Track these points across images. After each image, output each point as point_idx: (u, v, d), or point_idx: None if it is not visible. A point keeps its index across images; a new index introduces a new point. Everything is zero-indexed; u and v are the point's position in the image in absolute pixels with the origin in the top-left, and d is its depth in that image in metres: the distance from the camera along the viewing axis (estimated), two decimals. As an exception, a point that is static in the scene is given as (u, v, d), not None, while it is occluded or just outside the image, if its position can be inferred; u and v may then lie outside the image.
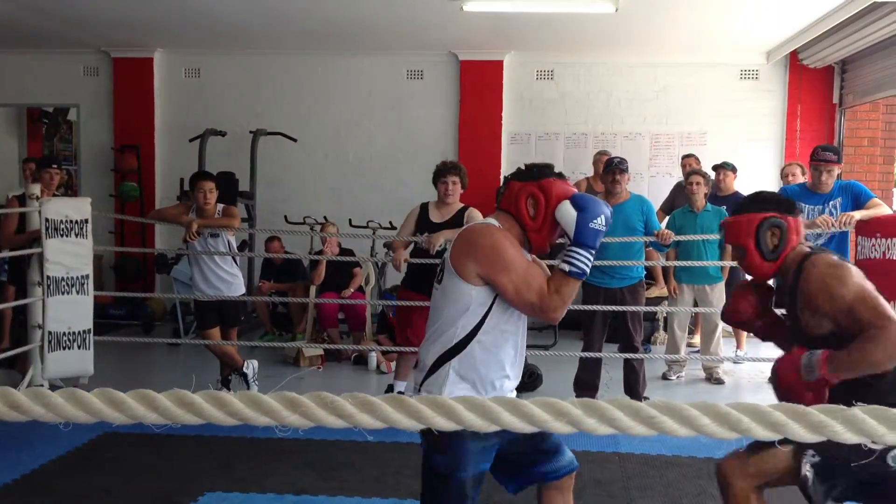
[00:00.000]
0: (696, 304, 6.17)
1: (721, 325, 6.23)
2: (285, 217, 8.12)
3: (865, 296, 2.37)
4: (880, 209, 4.98)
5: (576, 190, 2.52)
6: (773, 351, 5.87)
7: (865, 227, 4.89)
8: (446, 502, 2.42)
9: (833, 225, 4.89)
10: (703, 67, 8.18)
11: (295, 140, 8.28)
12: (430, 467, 2.46)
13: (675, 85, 8.25)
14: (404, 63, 8.56)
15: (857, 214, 4.89)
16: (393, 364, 6.02)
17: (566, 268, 2.37)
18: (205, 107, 8.67)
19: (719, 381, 6.25)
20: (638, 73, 8.30)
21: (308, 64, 8.61)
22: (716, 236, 5.87)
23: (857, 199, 5.02)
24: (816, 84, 8.15)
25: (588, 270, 2.40)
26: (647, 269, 6.93)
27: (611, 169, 5.45)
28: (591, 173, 7.67)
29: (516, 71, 8.47)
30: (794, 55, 8.00)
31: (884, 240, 4.78)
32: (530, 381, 5.65)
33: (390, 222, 7.68)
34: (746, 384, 6.37)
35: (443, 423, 0.67)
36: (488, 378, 2.45)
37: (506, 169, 8.47)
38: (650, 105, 8.31)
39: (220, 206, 5.52)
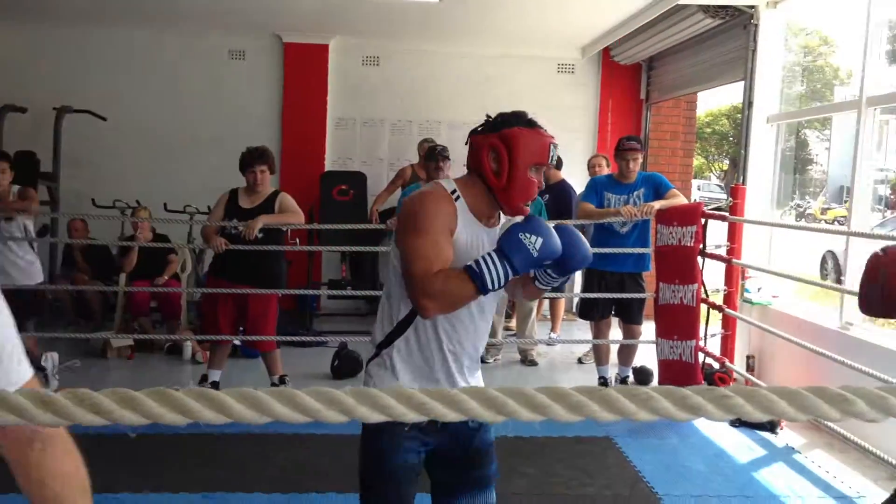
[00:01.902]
0: (513, 289, 6.37)
1: (535, 308, 6.49)
2: (93, 201, 7.64)
3: None
4: (678, 199, 5.35)
5: (551, 141, 2.20)
6: (584, 333, 6.23)
7: (664, 216, 5.24)
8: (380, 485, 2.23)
9: (636, 214, 5.21)
10: (524, 60, 8.43)
11: (104, 119, 7.80)
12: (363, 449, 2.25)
13: (498, 76, 8.45)
14: (226, 43, 8.27)
15: (657, 204, 5.24)
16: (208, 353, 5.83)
17: (471, 264, 1.99)
18: (3, 81, 8.00)
19: (533, 363, 6.51)
20: (462, 63, 8.44)
21: (122, 38, 8.13)
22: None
23: (657, 190, 5.36)
24: (626, 80, 8.62)
25: (491, 286, 1.98)
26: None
27: (434, 156, 5.52)
28: (416, 160, 7.74)
29: (342, 56, 8.39)
30: (606, 52, 8.41)
31: (680, 228, 5.14)
32: (349, 367, 5.65)
33: (209, 207, 7.40)
34: (559, 365, 6.67)
35: (211, 417, 0.65)
36: (432, 361, 2.17)
37: (330, 154, 8.40)
38: (474, 95, 8.46)
39: (16, 188, 5.14)
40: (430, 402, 0.67)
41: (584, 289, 5.79)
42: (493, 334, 6.36)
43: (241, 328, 5.28)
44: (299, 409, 0.64)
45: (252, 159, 5.02)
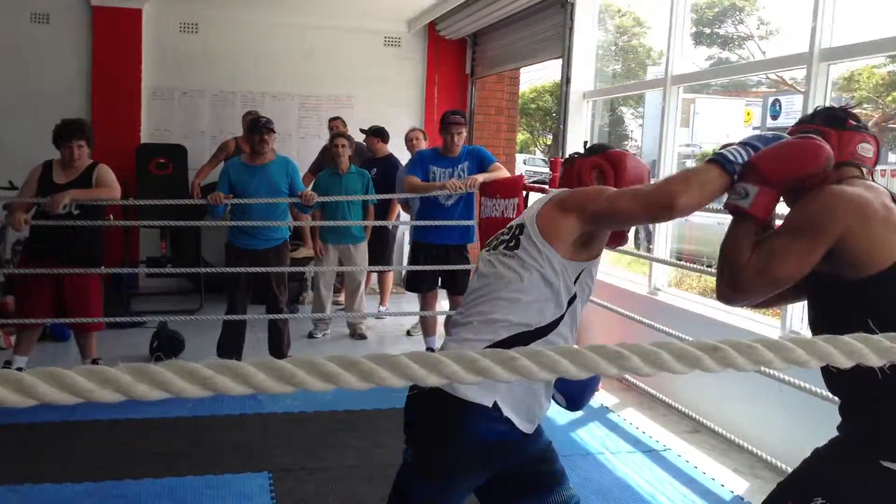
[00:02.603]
0: (340, 263, 6.35)
1: (364, 282, 6.50)
2: None
3: None
4: (501, 172, 5.49)
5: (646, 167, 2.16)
6: (413, 305, 6.29)
7: (488, 189, 5.36)
8: None
9: (460, 187, 5.30)
10: (350, 32, 8.33)
11: None
12: (409, 487, 2.07)
13: (324, 48, 8.32)
14: (27, 4, 7.65)
15: (481, 177, 5.35)
16: (13, 338, 5.43)
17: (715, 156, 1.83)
18: None
19: (362, 337, 6.52)
20: (287, 33, 8.23)
21: None
22: (359, 197, 6.08)
23: (481, 163, 5.47)
24: (451, 55, 8.72)
25: (738, 166, 1.81)
26: (295, 229, 7.00)
27: (258, 129, 5.37)
28: (239, 133, 7.50)
29: (157, 22, 7.95)
30: (431, 26, 8.46)
31: (502, 200, 5.27)
32: (171, 348, 5.45)
33: (10, 182, 6.86)
34: (389, 338, 6.72)
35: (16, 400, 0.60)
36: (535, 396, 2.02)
37: (147, 125, 7.98)
38: (299, 66, 8.30)
39: None
40: (217, 376, 0.64)
41: (411, 262, 5.86)
42: (321, 309, 6.32)
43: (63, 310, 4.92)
44: (67, 389, 0.60)
45: (69, 133, 4.68)
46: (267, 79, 8.24)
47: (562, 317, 1.98)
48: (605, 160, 2.16)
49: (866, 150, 1.92)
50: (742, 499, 3.68)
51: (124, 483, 3.63)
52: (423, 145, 6.52)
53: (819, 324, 1.92)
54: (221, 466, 3.84)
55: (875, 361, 0.71)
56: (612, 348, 0.70)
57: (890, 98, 20.68)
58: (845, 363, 0.71)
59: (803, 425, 3.81)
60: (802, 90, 4.30)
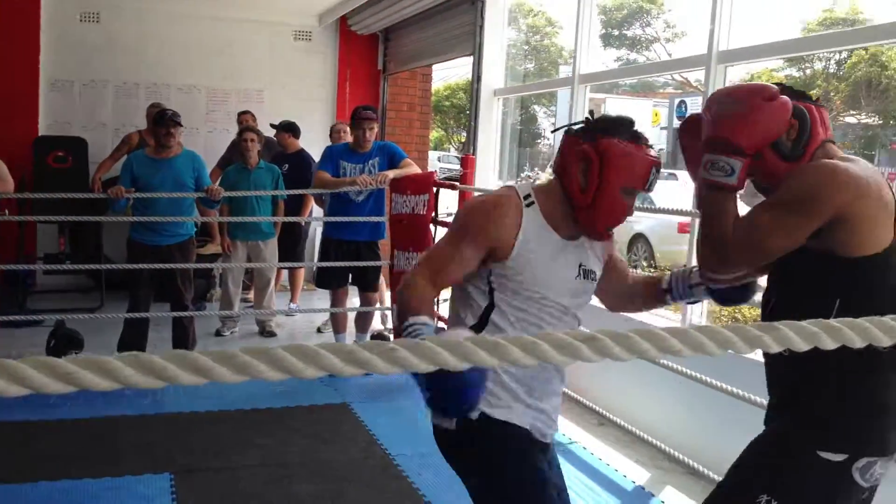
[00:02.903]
0: (249, 260, 6.23)
1: (273, 279, 6.40)
2: None
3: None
4: (411, 169, 5.49)
5: (654, 162, 1.91)
6: (324, 302, 6.21)
7: (398, 185, 5.35)
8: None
9: (371, 183, 5.28)
10: (260, 25, 8.18)
11: None
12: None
13: (232, 40, 8.14)
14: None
15: (391, 173, 5.34)
16: None
17: (411, 318, 1.82)
18: None
19: (272, 334, 6.42)
20: (193, 24, 8.02)
21: None
22: (267, 192, 5.99)
23: (392, 159, 5.46)
24: (363, 50, 8.66)
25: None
26: (203, 225, 6.85)
27: (163, 121, 5.22)
28: (143, 126, 7.28)
29: (56, 10, 7.64)
30: (343, 21, 8.39)
31: (413, 196, 5.28)
32: (69, 347, 5.25)
33: None
34: (299, 334, 6.63)
35: None
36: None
37: (45, 117, 7.67)
38: (207, 58, 8.11)
39: None
40: (80, 371, 0.62)
41: (321, 258, 5.80)
42: (229, 306, 6.20)
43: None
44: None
45: None
46: (173, 70, 8.02)
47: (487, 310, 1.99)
48: (594, 151, 1.88)
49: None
50: (643, 489, 3.78)
51: (16, 487, 3.48)
52: (349, 138, 6.48)
53: (786, 298, 1.85)
54: (121, 468, 3.73)
55: (743, 349, 0.74)
56: (492, 339, 0.70)
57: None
58: (716, 351, 0.73)
59: (701, 417, 3.94)
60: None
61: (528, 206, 1.92)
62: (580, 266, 2.00)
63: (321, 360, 0.66)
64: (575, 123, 1.97)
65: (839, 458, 1.73)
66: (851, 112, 22.02)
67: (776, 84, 1.82)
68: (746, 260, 1.79)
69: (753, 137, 1.74)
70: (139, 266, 5.07)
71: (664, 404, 4.23)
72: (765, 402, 1.94)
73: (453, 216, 1.99)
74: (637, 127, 1.92)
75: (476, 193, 5.78)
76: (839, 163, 1.73)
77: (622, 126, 1.89)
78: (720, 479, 1.95)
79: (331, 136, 6.65)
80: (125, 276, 5.36)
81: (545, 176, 2.00)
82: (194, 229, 5.49)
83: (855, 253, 1.71)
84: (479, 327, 1.98)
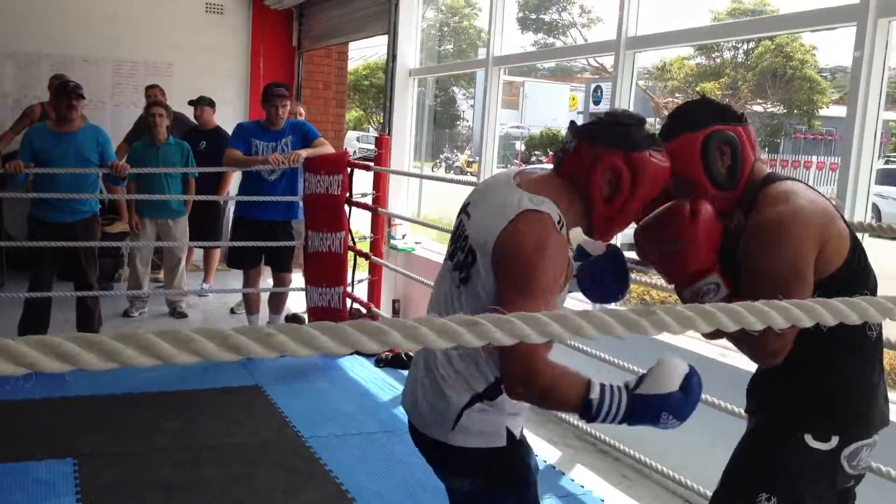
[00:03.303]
0: (159, 239, 6.07)
1: (184, 258, 6.26)
2: None
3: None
4: (325, 148, 5.42)
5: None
6: (239, 282, 6.12)
7: (312, 164, 5.29)
8: None
9: (283, 162, 5.20)
10: (170, -4, 7.94)
11: None
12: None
13: (140, 12, 7.86)
14: None
15: (305, 152, 5.27)
16: None
17: (594, 396, 1.63)
18: None
19: (183, 315, 6.29)
20: (100, -8, 7.72)
21: None
22: (178, 170, 5.83)
23: (305, 138, 5.39)
24: (278, 26, 8.49)
25: (598, 420, 1.66)
26: (110, 203, 6.63)
27: (65, 93, 5.02)
28: (46, 98, 6.98)
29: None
30: (256, -5, 8.22)
31: (327, 176, 5.23)
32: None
33: None
34: (211, 316, 6.52)
35: None
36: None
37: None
38: (112, 30, 7.80)
39: None
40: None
41: (233, 237, 5.68)
42: (137, 286, 6.03)
43: None
44: None
45: None
46: (77, 41, 7.71)
47: None
48: (626, 165, 1.72)
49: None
50: (554, 467, 3.85)
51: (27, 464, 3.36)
52: (303, 118, 6.36)
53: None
54: (22, 453, 3.60)
55: (623, 333, 0.75)
56: (374, 325, 0.70)
57: (699, 87, 22.17)
58: (595, 334, 0.74)
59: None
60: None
61: (561, 228, 1.72)
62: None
63: (195, 345, 0.65)
64: (590, 123, 1.82)
65: (828, 446, 1.75)
66: (758, 101, 22.80)
67: (699, 97, 1.82)
68: (786, 346, 1.72)
69: (707, 253, 1.78)
70: (40, 244, 4.88)
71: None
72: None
73: (505, 258, 1.69)
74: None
75: (391, 174, 5.75)
76: (797, 204, 1.71)
77: (641, 130, 1.76)
78: (627, 455, 2.00)
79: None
80: (27, 255, 5.16)
81: (546, 175, 1.83)
82: (98, 206, 5.31)
83: (821, 275, 1.71)
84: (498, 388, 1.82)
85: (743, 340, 1.74)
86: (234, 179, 6.50)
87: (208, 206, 6.47)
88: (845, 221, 1.80)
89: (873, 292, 1.77)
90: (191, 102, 6.77)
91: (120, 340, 0.63)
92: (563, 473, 3.77)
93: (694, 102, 1.95)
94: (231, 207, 7.44)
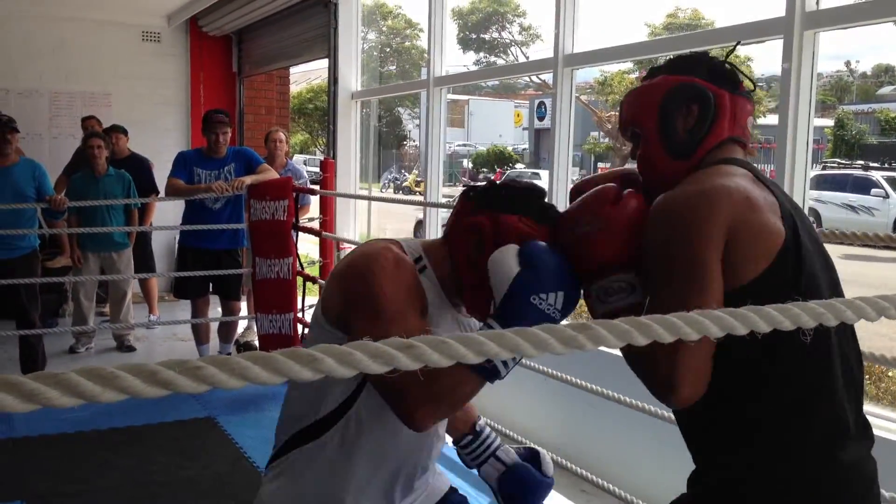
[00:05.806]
0: (103, 272, 5.94)
1: (129, 290, 6.13)
2: None
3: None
4: (269, 174, 5.38)
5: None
6: (187, 312, 6.01)
7: (257, 191, 5.23)
8: None
9: (227, 189, 5.14)
10: (105, 26, 7.81)
11: None
12: None
13: (76, 42, 7.74)
14: None
15: (249, 179, 5.21)
16: None
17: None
18: None
19: (131, 349, 6.16)
20: (33, 25, 7.57)
21: None
22: (119, 201, 5.72)
23: (248, 164, 5.34)
24: (217, 52, 8.43)
25: (502, 372, 1.47)
26: (52, 237, 6.47)
27: (-1, 128, 4.91)
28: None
29: None
30: (193, 22, 8.14)
31: (272, 202, 5.17)
32: None
33: None
34: (160, 348, 6.40)
35: None
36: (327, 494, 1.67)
37: None
38: (48, 61, 7.67)
39: None
40: None
41: (179, 267, 5.59)
42: (82, 321, 5.89)
43: None
44: None
45: None
46: (11, 73, 7.55)
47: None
48: (492, 224, 1.54)
49: (752, 126, 1.51)
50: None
51: None
52: (285, 148, 6.28)
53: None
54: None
55: (559, 349, 0.75)
56: (306, 352, 0.69)
57: (639, 100, 22.54)
58: (532, 352, 0.74)
59: (564, 410, 4.06)
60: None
61: (420, 270, 1.60)
62: None
63: (120, 382, 0.63)
64: (477, 186, 1.67)
65: None
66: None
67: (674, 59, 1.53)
68: (702, 386, 1.33)
69: (623, 245, 1.45)
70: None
71: (530, 400, 4.32)
72: (615, 394, 1.97)
73: (347, 293, 1.57)
74: (547, 199, 1.62)
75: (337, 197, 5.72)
76: (698, 187, 1.37)
77: (534, 197, 1.58)
78: (582, 471, 1.90)
79: (266, 144, 6.29)
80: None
81: (437, 240, 1.69)
82: (38, 241, 5.19)
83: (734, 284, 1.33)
84: (331, 420, 1.67)
85: (636, 363, 1.38)
86: (175, 208, 6.41)
87: (138, 237, 6.31)
88: (799, 226, 1.39)
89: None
90: (105, 131, 6.59)
91: (41, 380, 0.61)
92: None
93: (702, 53, 1.59)
94: (168, 237, 7.33)
